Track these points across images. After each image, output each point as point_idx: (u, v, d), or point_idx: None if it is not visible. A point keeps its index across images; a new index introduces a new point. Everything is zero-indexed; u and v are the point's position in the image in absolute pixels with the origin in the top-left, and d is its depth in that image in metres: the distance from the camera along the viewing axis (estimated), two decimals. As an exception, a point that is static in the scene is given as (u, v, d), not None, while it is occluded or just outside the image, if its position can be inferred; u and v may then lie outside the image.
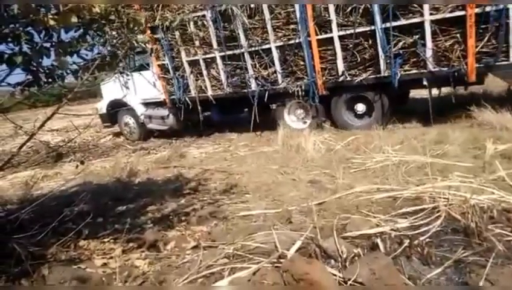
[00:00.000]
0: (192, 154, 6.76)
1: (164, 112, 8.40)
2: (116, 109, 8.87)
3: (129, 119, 9.03)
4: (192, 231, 3.02)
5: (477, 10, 4.92)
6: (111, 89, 7.67)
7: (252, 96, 7.01)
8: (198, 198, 3.92)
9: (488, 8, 4.86)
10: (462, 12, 5.03)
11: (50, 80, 2.65)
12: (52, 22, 2.00)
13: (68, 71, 2.75)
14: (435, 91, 6.71)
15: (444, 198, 2.99)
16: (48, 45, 2.49)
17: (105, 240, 2.95)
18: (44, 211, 3.55)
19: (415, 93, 7.82)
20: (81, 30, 2.63)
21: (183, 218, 3.29)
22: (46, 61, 2.52)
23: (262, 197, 3.81)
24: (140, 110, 8.69)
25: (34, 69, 2.52)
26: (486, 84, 6.49)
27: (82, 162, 2.92)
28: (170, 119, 8.42)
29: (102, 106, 9.21)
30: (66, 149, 7.13)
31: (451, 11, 5.13)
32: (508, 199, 2.97)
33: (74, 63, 2.77)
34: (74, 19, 2.06)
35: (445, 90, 6.88)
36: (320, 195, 3.67)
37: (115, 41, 2.85)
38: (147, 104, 8.65)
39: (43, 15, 1.99)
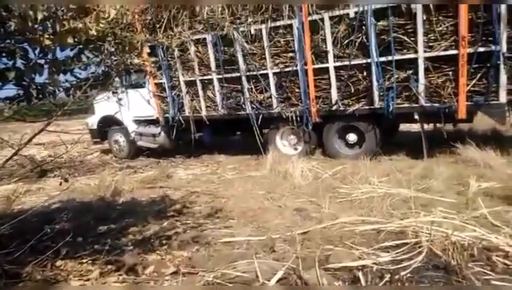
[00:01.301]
0: (180, 175, 6.72)
1: (156, 130, 8.40)
2: (108, 125, 8.85)
3: (119, 137, 8.98)
4: (173, 255, 2.97)
5: (469, 50, 5.10)
6: (103, 104, 7.65)
7: (247, 119, 7.06)
8: (181, 221, 3.88)
9: (480, 49, 5.04)
10: (454, 52, 5.20)
11: (41, 96, 2.66)
12: (47, 42, 2.03)
13: (60, 89, 2.77)
14: (429, 126, 6.84)
15: (426, 233, 3.01)
16: (42, 61, 2.51)
17: (84, 260, 2.89)
18: (24, 227, 3.47)
19: (402, 127, 7.97)
20: (77, 49, 2.67)
21: (164, 241, 3.25)
22: (39, 78, 2.54)
23: (246, 223, 3.79)
24: (132, 127, 8.67)
25: (26, 84, 2.53)
26: (474, 122, 6.64)
27: (66, 180, 2.88)
28: (161, 138, 8.42)
29: (93, 121, 9.16)
30: (52, 165, 7.04)
31: (444, 50, 5.30)
32: (488, 237, 3.00)
33: (67, 81, 2.80)
34: (70, 40, 2.09)
35: (431, 125, 7.00)
36: (305, 224, 3.67)
37: (109, 61, 2.88)
38: (139, 122, 8.65)
39: (40, 34, 2.02)
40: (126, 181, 6.05)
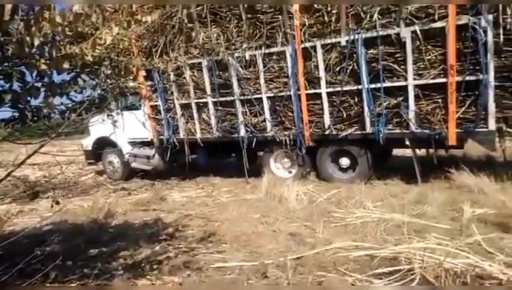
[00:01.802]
0: (174, 197, 6.68)
1: (150, 151, 8.40)
2: (102, 146, 8.85)
3: (113, 158, 8.96)
4: (163, 281, 2.93)
5: (458, 78, 5.21)
6: (99, 126, 7.68)
7: (241, 142, 7.10)
8: (173, 245, 3.84)
9: (468, 78, 5.16)
10: (443, 80, 5.31)
11: (36, 118, 2.68)
12: (43, 66, 2.06)
13: (55, 111, 2.79)
14: (421, 151, 6.89)
15: (419, 260, 2.99)
16: (39, 84, 2.55)
17: (73, 284, 2.84)
18: (14, 249, 3.41)
19: (397, 152, 8.03)
20: (74, 73, 2.72)
21: (155, 266, 3.20)
22: (34, 100, 2.56)
23: (240, 248, 3.75)
24: (126, 149, 8.67)
25: (22, 107, 2.56)
26: (467, 148, 6.69)
27: (57, 202, 2.85)
28: (155, 160, 8.41)
29: (88, 142, 9.16)
30: (46, 185, 7.00)
31: (433, 78, 5.41)
32: (482, 264, 2.99)
33: (62, 103, 2.83)
34: (66, 65, 2.13)
35: (424, 151, 7.05)
36: (299, 249, 3.65)
37: (105, 85, 2.93)
38: (133, 144, 8.65)
39: (36, 59, 2.06)
40: (119, 203, 6.01)
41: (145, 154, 8.47)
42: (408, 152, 6.81)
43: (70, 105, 2.83)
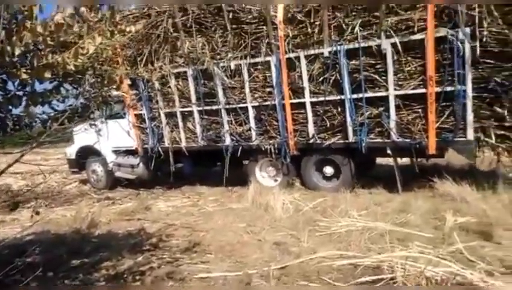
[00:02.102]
0: (159, 207, 6.61)
1: (134, 160, 8.32)
2: (86, 155, 8.72)
3: (97, 167, 8.83)
4: (146, 292, 2.89)
5: (437, 89, 5.34)
6: (83, 134, 7.58)
7: (226, 150, 7.10)
8: (157, 255, 3.79)
9: (447, 88, 5.29)
10: (423, 90, 5.44)
11: (17, 127, 2.64)
12: (24, 76, 2.04)
13: (37, 120, 2.76)
14: (404, 160, 6.99)
15: (401, 268, 3.03)
16: (20, 93, 2.51)
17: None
18: (-7, 260, 3.34)
19: (382, 161, 8.14)
20: (56, 82, 2.69)
21: (138, 277, 3.16)
22: (15, 109, 2.53)
23: (224, 258, 3.73)
24: (110, 157, 8.56)
25: (2, 116, 2.52)
26: (450, 157, 6.80)
27: (37, 213, 2.81)
28: (140, 169, 8.32)
29: (71, 151, 9.01)
30: (28, 195, 6.86)
31: (413, 88, 5.54)
32: (463, 273, 3.04)
33: (44, 112, 2.79)
34: (48, 74, 2.11)
35: (408, 160, 7.16)
36: (284, 258, 3.65)
37: (88, 94, 2.90)
38: (118, 152, 8.55)
39: (17, 69, 2.04)
40: (103, 213, 5.92)
41: (130, 163, 8.38)
42: (392, 161, 6.91)
43: (52, 114, 2.80)
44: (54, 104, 2.77)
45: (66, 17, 1.97)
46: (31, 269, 3.08)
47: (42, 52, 2.05)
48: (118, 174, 8.59)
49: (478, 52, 4.99)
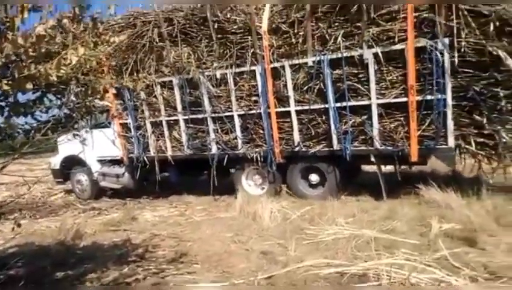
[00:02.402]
0: (146, 217, 6.53)
1: (120, 170, 8.22)
2: (71, 165, 8.59)
3: (82, 177, 8.70)
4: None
5: (418, 98, 5.45)
6: (67, 144, 7.48)
7: (212, 159, 7.09)
8: (143, 267, 3.74)
9: (427, 97, 5.41)
10: (405, 99, 5.56)
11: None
12: (6, 87, 2.02)
13: (19, 131, 2.72)
14: (388, 167, 7.07)
15: (387, 276, 3.06)
16: (3, 104, 2.48)
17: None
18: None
19: (369, 168, 8.22)
20: (39, 93, 2.67)
21: (123, 289, 3.11)
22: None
23: (211, 268, 3.71)
24: (95, 167, 8.45)
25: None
26: (435, 165, 6.88)
27: (19, 225, 2.75)
28: (125, 178, 8.22)
29: (56, 161, 8.86)
30: (13, 206, 6.71)
31: (395, 97, 5.65)
32: (448, 279, 3.09)
33: (26, 123, 2.76)
34: (29, 85, 2.09)
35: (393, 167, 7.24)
36: (271, 267, 3.64)
37: (71, 104, 2.88)
38: (103, 162, 8.44)
39: (-2, 80, 2.02)
40: (89, 224, 5.83)
41: (115, 173, 8.27)
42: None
43: (35, 124, 2.77)
44: (37, 114, 2.75)
45: (48, 29, 1.97)
46: (12, 282, 3.01)
47: (24, 63, 2.03)
48: (103, 184, 8.46)
49: (457, 62, 5.13)
